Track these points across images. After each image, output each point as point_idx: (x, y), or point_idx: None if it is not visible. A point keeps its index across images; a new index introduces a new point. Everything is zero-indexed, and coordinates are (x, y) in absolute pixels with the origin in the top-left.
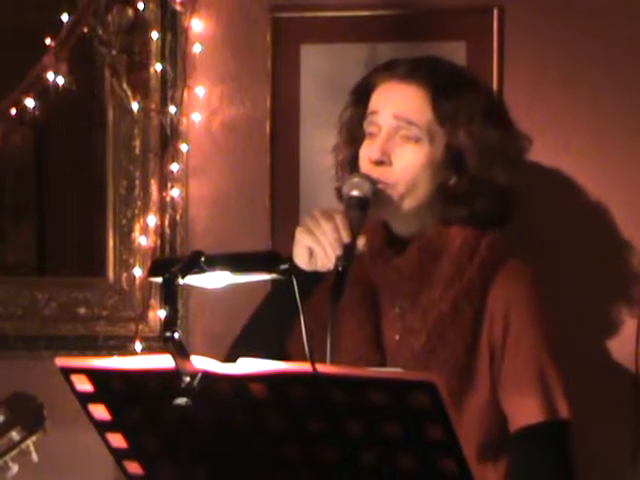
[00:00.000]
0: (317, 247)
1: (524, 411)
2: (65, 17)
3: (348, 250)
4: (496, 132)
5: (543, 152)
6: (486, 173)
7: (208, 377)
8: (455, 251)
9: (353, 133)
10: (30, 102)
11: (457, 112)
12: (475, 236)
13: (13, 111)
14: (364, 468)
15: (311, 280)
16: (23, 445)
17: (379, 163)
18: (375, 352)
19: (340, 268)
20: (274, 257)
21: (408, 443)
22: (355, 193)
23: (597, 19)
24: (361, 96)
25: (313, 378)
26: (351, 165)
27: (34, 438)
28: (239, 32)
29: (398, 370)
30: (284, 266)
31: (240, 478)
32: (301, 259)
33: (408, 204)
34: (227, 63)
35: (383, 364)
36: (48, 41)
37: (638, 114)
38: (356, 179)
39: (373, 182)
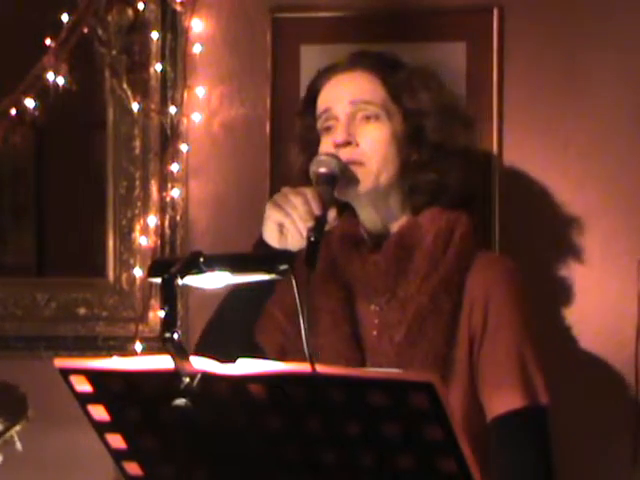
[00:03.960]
0: (287, 221)
1: (504, 398)
2: (65, 17)
3: (320, 221)
4: (450, 92)
5: (543, 151)
6: (447, 135)
7: (207, 378)
8: (429, 244)
9: (306, 139)
10: (30, 102)
11: (411, 79)
12: (448, 228)
13: (13, 111)
14: (363, 469)
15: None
16: (7, 435)
17: (346, 144)
18: (354, 350)
19: (312, 238)
20: (273, 257)
21: (407, 443)
22: (322, 170)
23: (597, 19)
24: (307, 105)
25: (312, 378)
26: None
27: (18, 427)
28: (239, 32)
29: (397, 370)
30: (283, 266)
31: (239, 479)
32: (271, 236)
33: (383, 180)
34: (227, 63)
35: (363, 361)
36: (48, 41)
37: (637, 113)
38: (323, 157)
39: (340, 160)
